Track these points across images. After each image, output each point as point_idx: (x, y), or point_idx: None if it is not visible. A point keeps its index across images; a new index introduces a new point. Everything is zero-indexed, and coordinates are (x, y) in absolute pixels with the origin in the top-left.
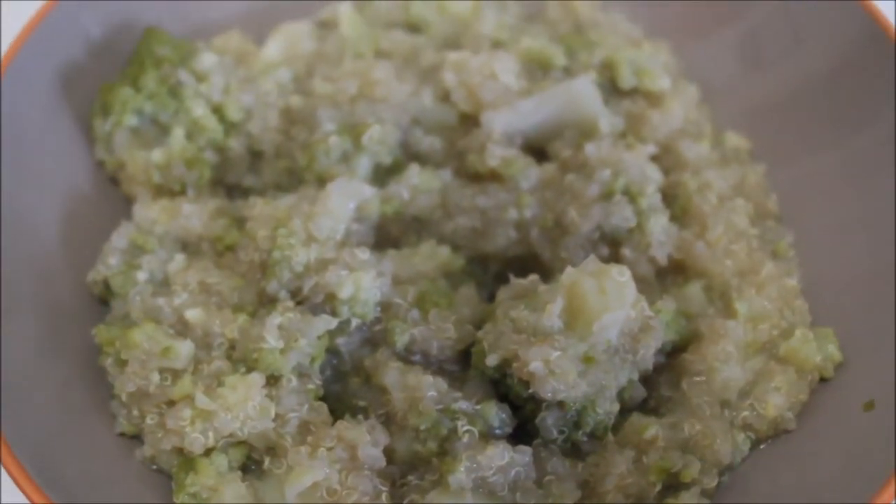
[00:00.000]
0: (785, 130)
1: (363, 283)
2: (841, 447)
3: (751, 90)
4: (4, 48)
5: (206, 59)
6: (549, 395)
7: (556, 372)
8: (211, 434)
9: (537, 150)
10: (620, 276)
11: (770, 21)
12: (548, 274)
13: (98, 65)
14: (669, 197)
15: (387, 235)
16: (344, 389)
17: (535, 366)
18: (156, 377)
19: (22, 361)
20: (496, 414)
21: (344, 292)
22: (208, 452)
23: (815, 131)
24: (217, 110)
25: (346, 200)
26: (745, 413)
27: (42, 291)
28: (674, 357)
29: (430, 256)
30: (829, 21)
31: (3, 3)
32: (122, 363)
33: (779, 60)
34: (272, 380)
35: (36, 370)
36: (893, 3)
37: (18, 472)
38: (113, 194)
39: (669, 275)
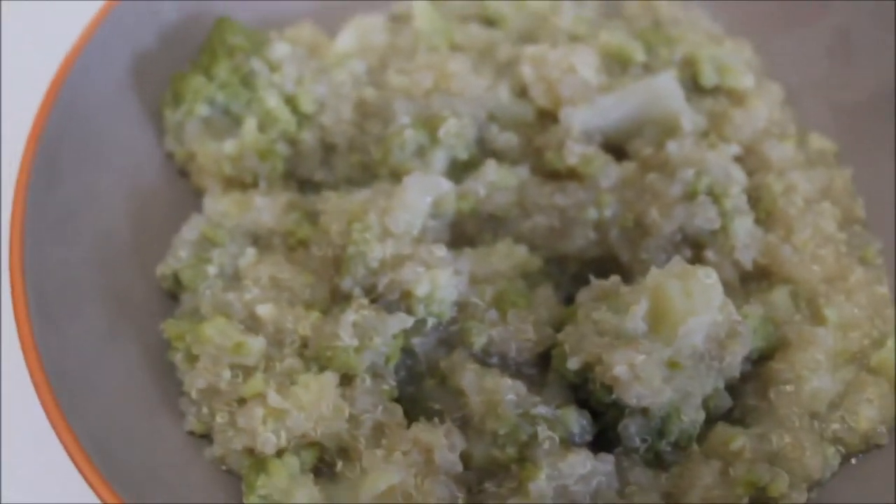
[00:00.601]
0: (873, 132)
1: (440, 281)
2: None
3: (837, 89)
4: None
5: (280, 49)
6: (634, 400)
7: (640, 377)
8: (283, 434)
9: (617, 148)
10: (707, 279)
11: (858, 16)
12: (627, 276)
13: (169, 53)
14: (753, 199)
15: (462, 233)
16: (419, 391)
17: (620, 370)
18: (227, 374)
19: (90, 355)
20: (577, 420)
21: (420, 290)
22: (280, 453)
23: None
24: (290, 101)
25: (423, 194)
26: (836, 425)
27: (111, 284)
28: (760, 365)
29: (507, 255)
30: None
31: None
32: (193, 359)
33: (866, 59)
34: (346, 379)
35: (104, 364)
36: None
37: (87, 467)
38: (182, 186)
39: (754, 280)
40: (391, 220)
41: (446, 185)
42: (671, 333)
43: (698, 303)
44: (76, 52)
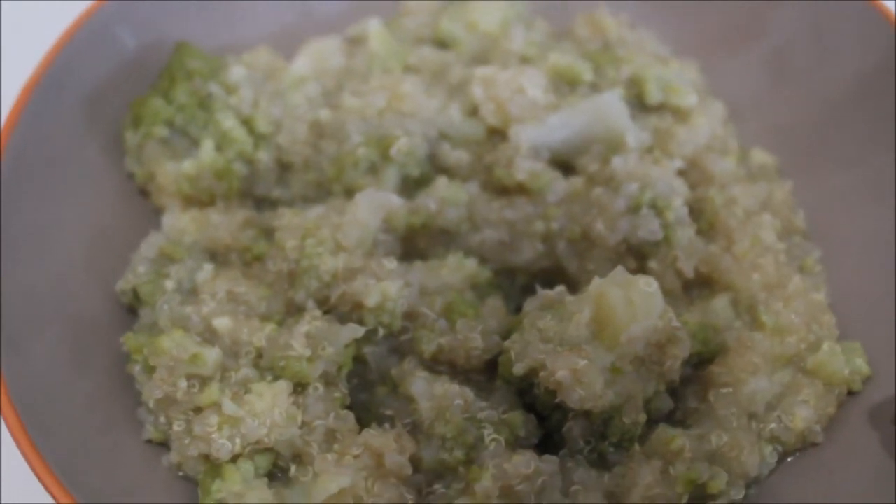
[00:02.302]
0: (812, 147)
1: (390, 293)
2: (869, 461)
3: (777, 107)
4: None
5: (236, 73)
6: (576, 403)
7: (582, 381)
8: (238, 440)
9: (564, 164)
10: (648, 287)
11: (797, 37)
12: (574, 286)
13: (129, 78)
14: (696, 212)
15: (414, 247)
16: (371, 398)
17: (562, 374)
18: (183, 384)
19: (52, 370)
20: (522, 423)
21: (370, 301)
22: (235, 459)
23: (842, 147)
24: (246, 122)
25: (374, 210)
26: (773, 425)
27: (72, 301)
28: (701, 369)
29: (457, 268)
30: (857, 36)
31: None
32: (151, 370)
33: (806, 76)
34: (299, 388)
35: (65, 379)
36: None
37: (48, 476)
38: (142, 206)
39: (696, 288)
40: (343, 235)
41: (397, 201)
42: (613, 340)
43: (639, 310)
44: (36, 79)
